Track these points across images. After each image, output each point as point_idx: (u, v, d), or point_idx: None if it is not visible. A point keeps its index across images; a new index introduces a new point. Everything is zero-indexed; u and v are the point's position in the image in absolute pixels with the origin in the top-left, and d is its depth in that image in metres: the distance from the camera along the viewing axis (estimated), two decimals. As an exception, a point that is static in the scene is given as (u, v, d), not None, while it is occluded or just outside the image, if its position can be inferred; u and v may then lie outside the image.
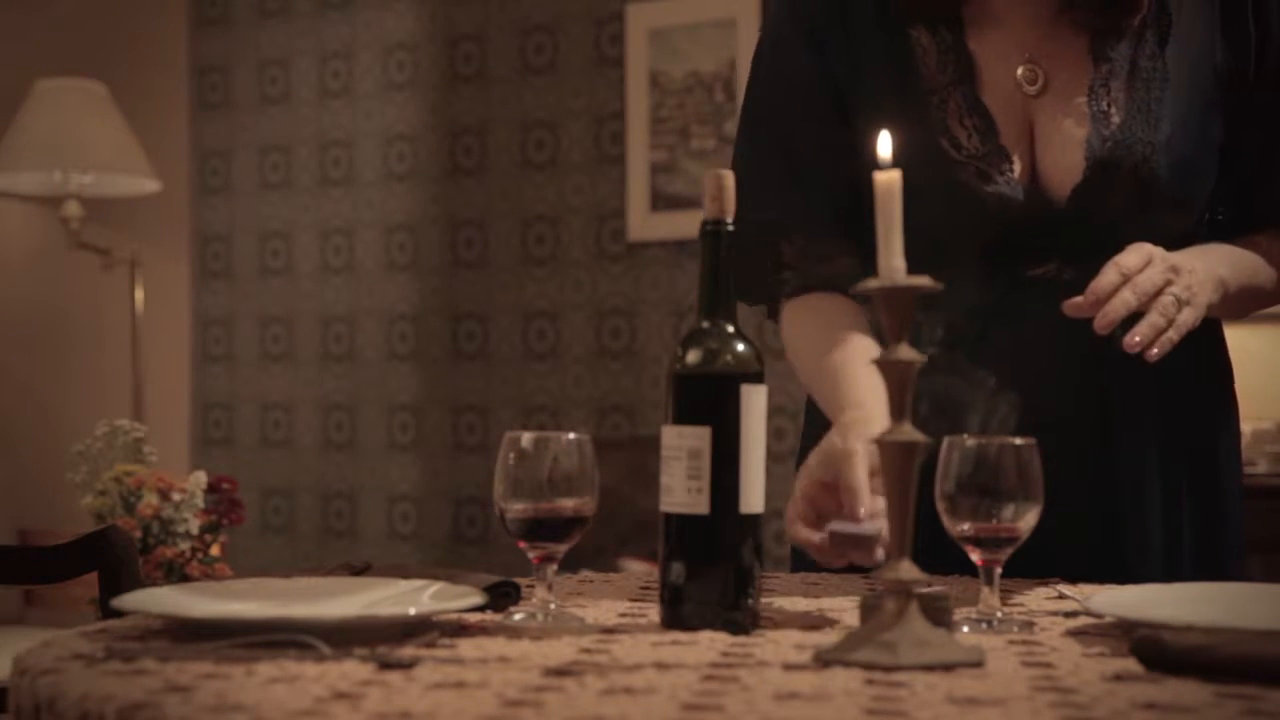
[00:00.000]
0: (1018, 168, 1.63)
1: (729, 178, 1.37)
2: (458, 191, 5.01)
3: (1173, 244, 1.55)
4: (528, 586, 1.44)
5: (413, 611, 1.25)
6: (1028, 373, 1.56)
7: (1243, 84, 1.65)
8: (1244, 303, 1.68)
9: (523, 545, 1.36)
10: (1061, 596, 1.49)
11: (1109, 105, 1.62)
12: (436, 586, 1.36)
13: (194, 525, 2.72)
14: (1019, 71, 1.65)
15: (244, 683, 1.06)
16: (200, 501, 2.74)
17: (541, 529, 1.35)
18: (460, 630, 1.29)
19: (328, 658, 1.14)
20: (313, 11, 5.27)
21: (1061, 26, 1.65)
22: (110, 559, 1.59)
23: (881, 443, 1.19)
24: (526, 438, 1.36)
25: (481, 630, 1.29)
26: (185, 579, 2.61)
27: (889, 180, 1.22)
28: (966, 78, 1.64)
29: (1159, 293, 1.47)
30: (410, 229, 5.09)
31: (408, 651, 1.16)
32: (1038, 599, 1.49)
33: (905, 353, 1.19)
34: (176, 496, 2.72)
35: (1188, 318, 1.49)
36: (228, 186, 5.35)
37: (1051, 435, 1.38)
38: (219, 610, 1.27)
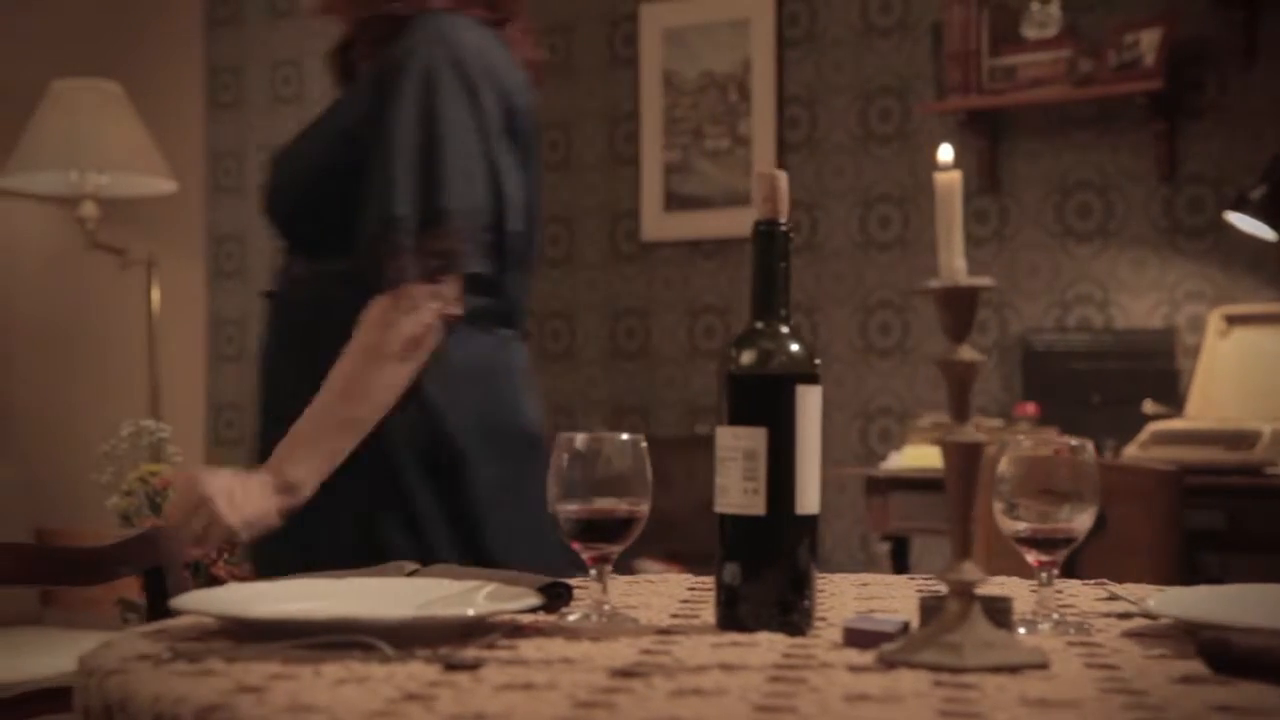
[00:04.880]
0: None
1: (782, 179, 1.37)
2: (471, 192, 5.00)
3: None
4: (578, 587, 1.43)
5: (472, 612, 1.25)
6: None
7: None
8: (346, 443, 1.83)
9: (576, 546, 1.36)
10: (1113, 597, 1.49)
11: None
12: (491, 587, 1.35)
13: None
14: None
15: (313, 683, 1.06)
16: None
17: (595, 530, 1.35)
18: (518, 631, 1.29)
19: (391, 659, 1.14)
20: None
21: None
22: (157, 560, 1.59)
23: (944, 443, 1.19)
24: (580, 438, 1.36)
25: (538, 631, 1.29)
26: (213, 580, 2.60)
27: (950, 180, 1.22)
28: None
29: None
30: (423, 229, 5.08)
31: (471, 653, 1.17)
32: (1087, 599, 1.49)
33: (966, 353, 1.19)
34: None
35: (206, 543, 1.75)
36: (240, 187, 5.35)
37: None
38: (279, 611, 1.27)
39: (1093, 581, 1.59)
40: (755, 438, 1.30)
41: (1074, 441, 1.32)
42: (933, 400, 4.23)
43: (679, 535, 4.50)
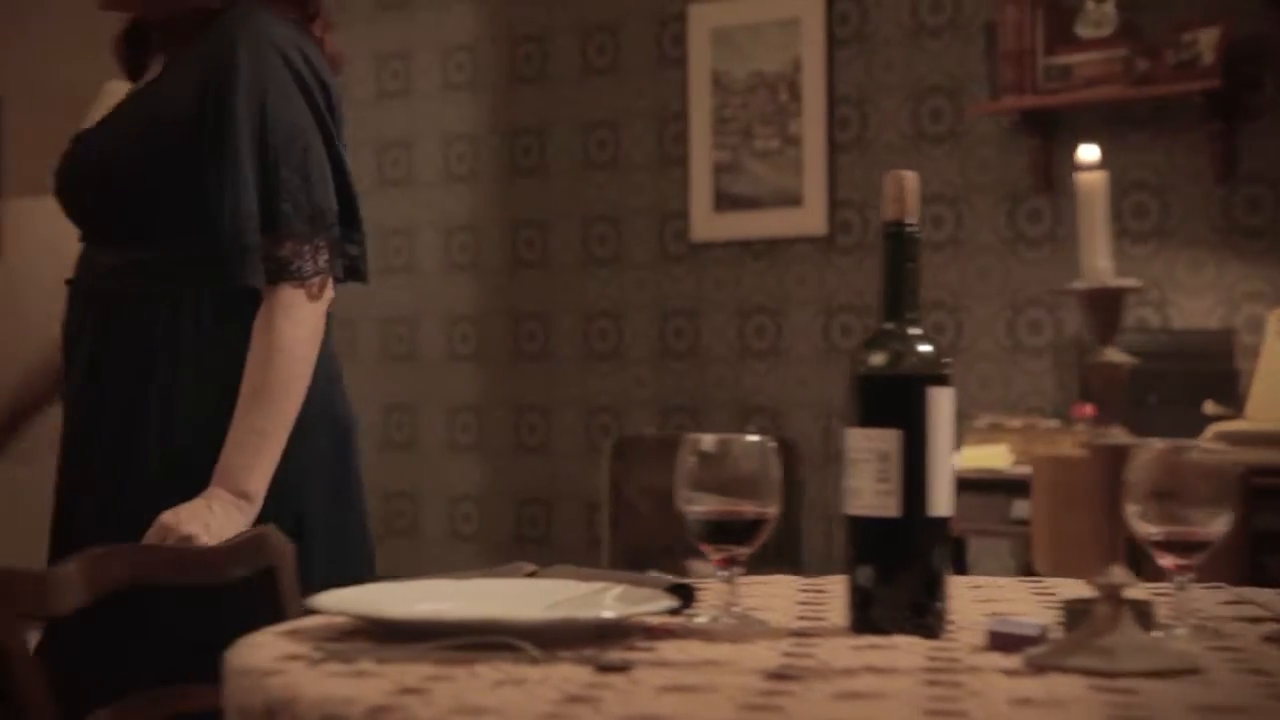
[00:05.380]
0: None
1: (910, 179, 1.36)
2: (518, 192, 5.01)
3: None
4: (700, 588, 1.43)
5: (613, 614, 1.25)
6: None
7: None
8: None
9: (706, 548, 1.35)
10: (1240, 602, 1.48)
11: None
12: (618, 589, 1.35)
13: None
14: None
15: (471, 684, 1.06)
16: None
17: (723, 531, 1.34)
18: (651, 633, 1.28)
19: (538, 660, 1.13)
20: (370, 12, 5.28)
21: None
22: (269, 561, 1.59)
23: (1092, 445, 1.18)
24: (708, 440, 1.35)
25: (669, 633, 1.29)
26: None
27: (1094, 180, 1.21)
28: None
29: None
30: (471, 229, 5.09)
31: (617, 655, 1.16)
32: (1210, 603, 1.49)
33: (1114, 354, 1.19)
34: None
35: None
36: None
37: None
38: (417, 612, 1.27)
39: (1211, 585, 1.58)
40: (888, 440, 1.30)
41: (1208, 444, 1.31)
42: (987, 400, 4.21)
43: (730, 536, 4.51)
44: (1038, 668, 1.14)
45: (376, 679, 1.08)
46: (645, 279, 4.79)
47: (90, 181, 1.98)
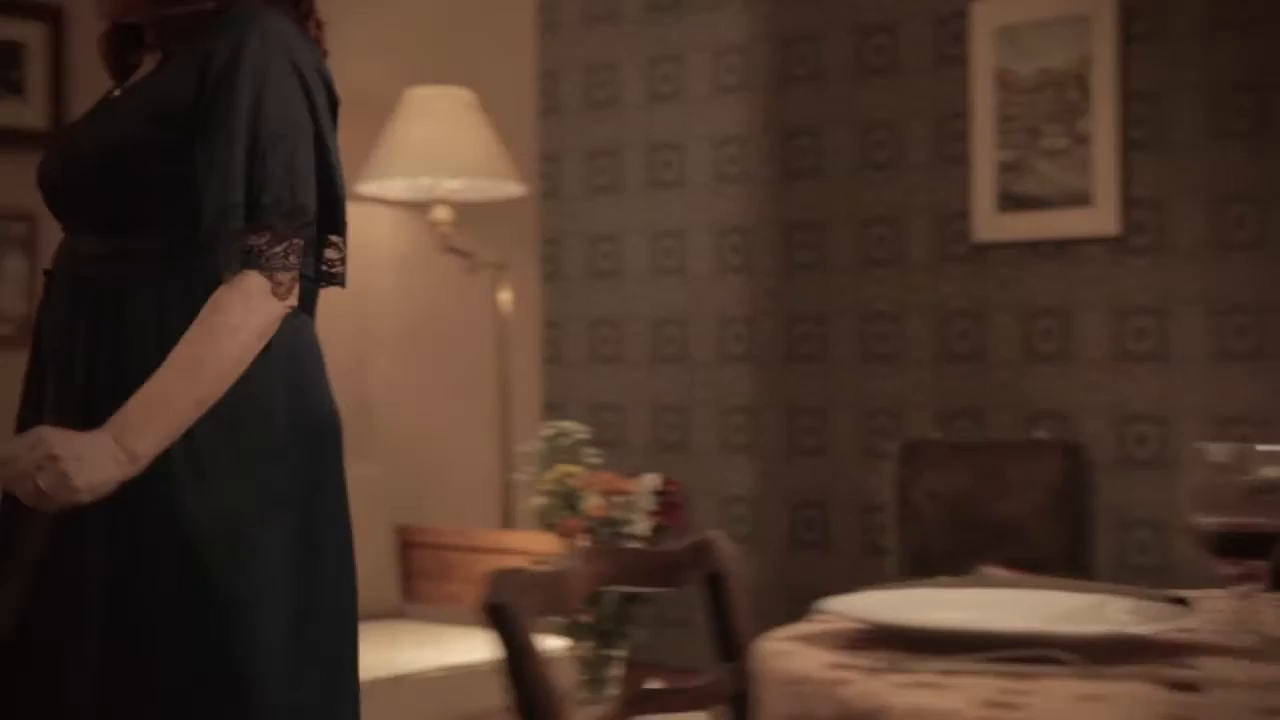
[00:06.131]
0: None
1: None
2: (792, 193, 4.99)
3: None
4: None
5: (1153, 630, 1.22)
6: None
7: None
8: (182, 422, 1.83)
9: (1220, 562, 1.31)
10: None
11: None
12: (1120, 601, 1.32)
13: (645, 526, 2.73)
14: None
15: (1051, 701, 1.04)
16: (650, 503, 2.76)
17: (1240, 544, 1.30)
18: (1162, 648, 1.25)
19: (1092, 676, 1.11)
20: (641, 15, 5.32)
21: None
22: (717, 566, 1.60)
23: None
24: (1218, 449, 1.31)
25: (1185, 648, 1.25)
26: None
27: None
28: None
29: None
30: (742, 231, 5.09)
31: (1173, 671, 1.13)
32: None
33: None
34: (619, 499, 2.74)
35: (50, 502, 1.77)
36: (557, 191, 5.43)
37: None
38: (958, 622, 1.26)
39: None
40: None
41: None
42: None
43: (1020, 542, 4.41)
44: None
45: (951, 692, 1.06)
46: (924, 280, 4.73)
47: (86, 172, 1.99)
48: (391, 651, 3.72)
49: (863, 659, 1.15)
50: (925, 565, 4.37)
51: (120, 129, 1.97)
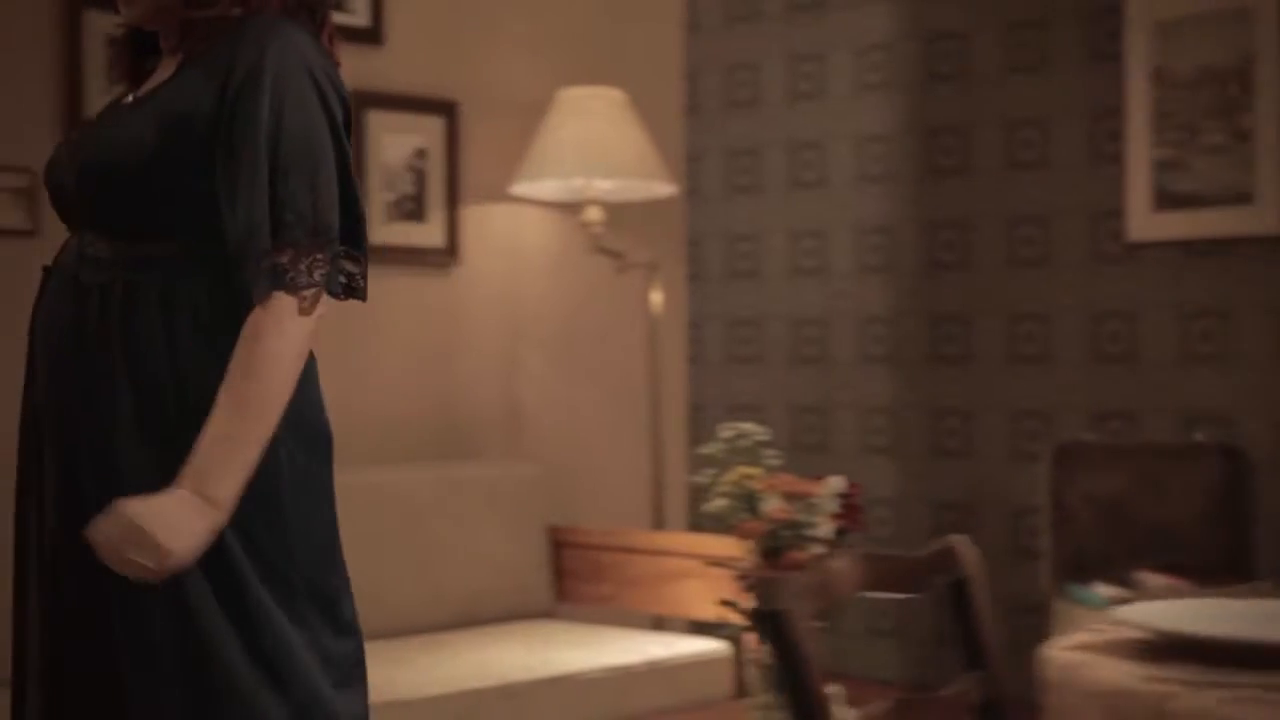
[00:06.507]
0: None
1: None
2: (936, 192, 4.94)
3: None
4: None
5: None
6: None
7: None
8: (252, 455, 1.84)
9: None
10: None
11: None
12: None
13: (828, 529, 2.71)
14: None
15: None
16: (834, 506, 2.74)
17: None
18: None
19: None
20: (782, 13, 5.28)
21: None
22: (962, 572, 1.57)
23: None
24: None
25: None
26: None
27: None
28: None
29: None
30: (885, 231, 5.04)
31: None
32: None
33: None
34: (800, 502, 2.72)
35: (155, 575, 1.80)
36: (698, 191, 5.42)
37: None
38: (1245, 633, 1.22)
39: None
40: None
41: None
42: None
43: (1178, 546, 4.32)
44: None
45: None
46: (1075, 280, 4.65)
47: (98, 174, 1.97)
48: (548, 652, 3.72)
49: (1175, 671, 1.12)
50: (1081, 570, 4.29)
51: (137, 134, 1.96)
